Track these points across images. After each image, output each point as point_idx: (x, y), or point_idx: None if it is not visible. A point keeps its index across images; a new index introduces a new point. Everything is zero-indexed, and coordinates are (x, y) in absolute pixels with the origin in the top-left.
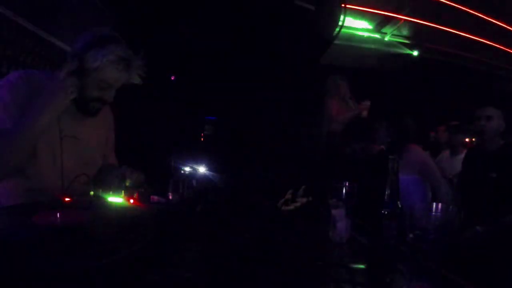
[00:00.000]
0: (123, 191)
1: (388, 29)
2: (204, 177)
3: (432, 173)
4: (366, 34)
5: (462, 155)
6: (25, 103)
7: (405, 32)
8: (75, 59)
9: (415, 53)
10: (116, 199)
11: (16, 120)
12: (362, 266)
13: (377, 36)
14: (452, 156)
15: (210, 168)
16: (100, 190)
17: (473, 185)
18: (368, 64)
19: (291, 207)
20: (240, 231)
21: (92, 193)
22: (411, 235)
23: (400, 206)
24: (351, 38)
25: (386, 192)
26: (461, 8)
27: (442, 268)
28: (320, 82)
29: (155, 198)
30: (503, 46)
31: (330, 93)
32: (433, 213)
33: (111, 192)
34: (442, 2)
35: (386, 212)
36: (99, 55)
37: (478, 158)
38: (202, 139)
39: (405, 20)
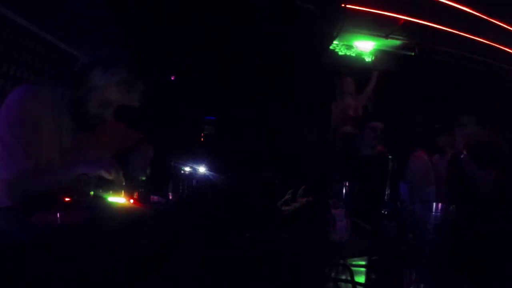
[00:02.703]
0: (123, 191)
1: (388, 29)
2: (204, 177)
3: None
4: (365, 34)
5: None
6: (35, 121)
7: (405, 32)
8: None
9: (415, 53)
10: (116, 199)
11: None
12: (362, 266)
13: (376, 36)
14: (442, 157)
15: (210, 168)
16: (100, 190)
17: (459, 185)
18: (367, 64)
19: (291, 207)
20: (240, 231)
21: (92, 193)
22: (411, 235)
23: (400, 206)
24: (351, 38)
25: (386, 192)
26: (461, 8)
27: (442, 268)
28: (321, 81)
29: (155, 198)
30: (503, 46)
31: (337, 91)
32: (433, 213)
33: (111, 192)
34: (442, 2)
35: (386, 212)
36: (105, 74)
37: (461, 160)
38: (202, 139)
39: (405, 20)
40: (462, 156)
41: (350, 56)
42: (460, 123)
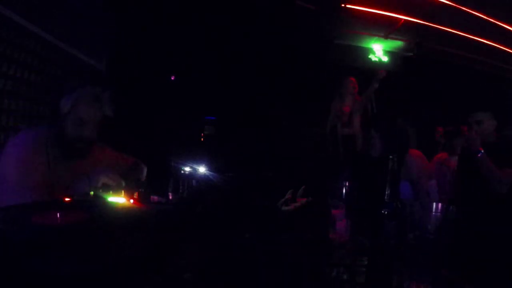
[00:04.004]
0: (123, 191)
1: (387, 29)
2: (204, 177)
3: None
4: (366, 34)
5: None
6: (33, 160)
7: (405, 32)
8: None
9: (415, 53)
10: (116, 199)
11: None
12: (362, 266)
13: (376, 36)
14: (451, 158)
15: (210, 168)
16: (100, 190)
17: (469, 182)
18: (367, 64)
19: (291, 207)
20: (240, 231)
21: (92, 193)
22: (411, 235)
23: (400, 206)
24: (351, 38)
25: (386, 192)
26: (461, 8)
27: (442, 268)
28: (322, 82)
29: (155, 198)
30: (503, 46)
31: (338, 90)
32: (433, 213)
33: (111, 192)
34: (442, 2)
35: (386, 212)
36: (69, 98)
37: (471, 157)
38: (202, 139)
39: (405, 20)
40: (479, 155)
41: (355, 56)
42: (476, 120)
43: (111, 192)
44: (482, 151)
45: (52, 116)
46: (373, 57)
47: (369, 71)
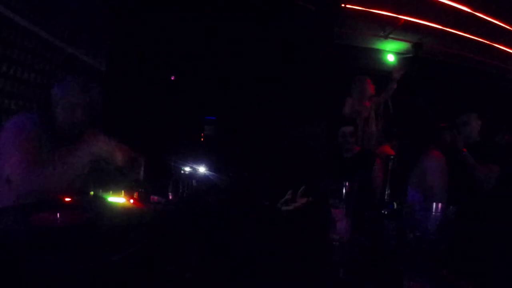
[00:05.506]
0: (123, 191)
1: (388, 29)
2: (204, 177)
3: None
4: (366, 34)
5: None
6: (26, 143)
7: (405, 32)
8: None
9: (415, 53)
10: (116, 199)
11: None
12: (362, 266)
13: (376, 36)
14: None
15: (210, 168)
16: (100, 190)
17: (456, 181)
18: (367, 64)
19: (291, 207)
20: (240, 231)
21: (92, 193)
22: (411, 235)
23: (400, 206)
24: (351, 38)
25: (386, 192)
26: (461, 8)
27: (442, 268)
28: (322, 82)
29: (155, 198)
30: (503, 46)
31: (354, 89)
32: (433, 213)
33: (111, 192)
34: (442, 2)
35: (386, 212)
36: (60, 85)
37: (461, 158)
38: (202, 139)
39: (405, 20)
40: (463, 154)
41: (356, 56)
42: (463, 121)
43: (111, 192)
44: (465, 150)
45: (43, 104)
46: (374, 57)
47: (370, 71)
